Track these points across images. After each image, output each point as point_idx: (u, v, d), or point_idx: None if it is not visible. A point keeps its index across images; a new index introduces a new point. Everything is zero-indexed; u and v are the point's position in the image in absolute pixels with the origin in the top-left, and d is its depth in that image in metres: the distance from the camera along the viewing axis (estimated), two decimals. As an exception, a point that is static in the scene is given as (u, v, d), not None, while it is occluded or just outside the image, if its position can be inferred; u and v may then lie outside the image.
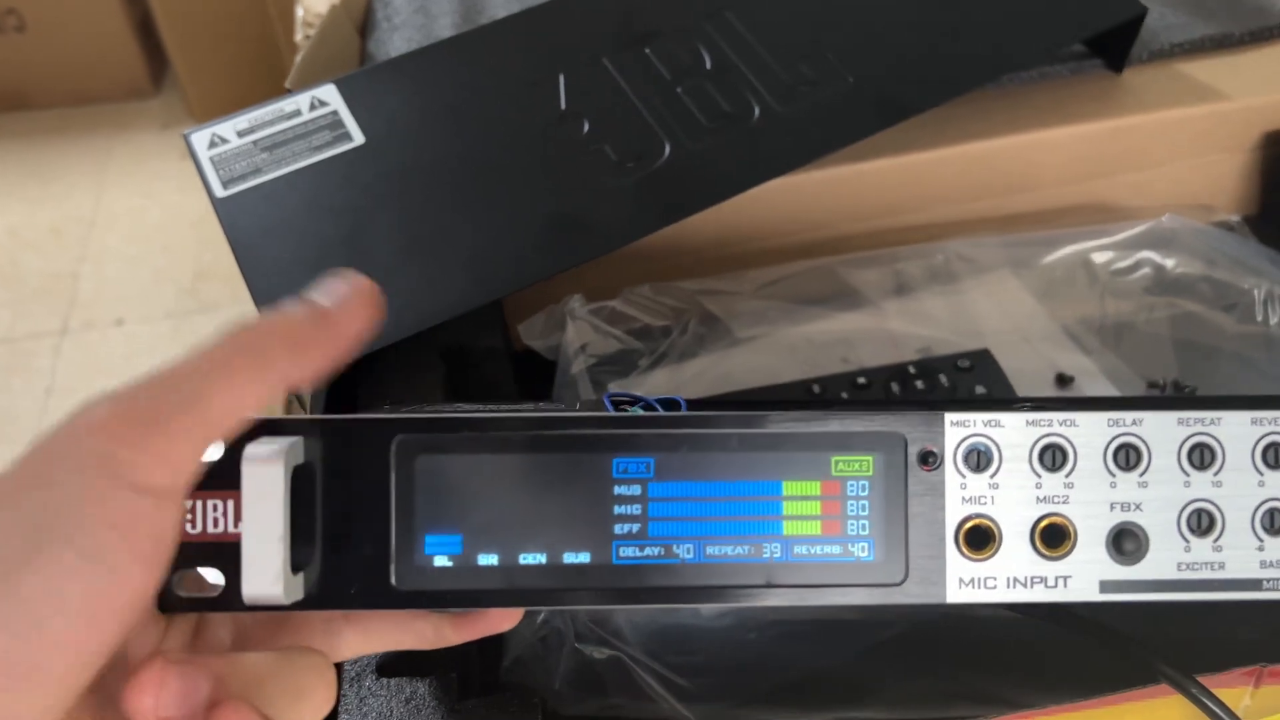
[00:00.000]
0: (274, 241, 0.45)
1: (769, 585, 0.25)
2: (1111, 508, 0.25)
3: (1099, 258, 0.50)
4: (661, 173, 0.46)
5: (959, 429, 0.25)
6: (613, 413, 0.26)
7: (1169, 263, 0.49)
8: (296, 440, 0.24)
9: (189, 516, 0.24)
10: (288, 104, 0.49)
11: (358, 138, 0.48)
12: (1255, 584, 0.26)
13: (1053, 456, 0.25)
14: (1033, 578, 0.25)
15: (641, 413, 0.26)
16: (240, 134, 0.48)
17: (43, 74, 1.91)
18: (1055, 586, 0.25)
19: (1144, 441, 0.25)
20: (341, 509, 0.25)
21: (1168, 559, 0.26)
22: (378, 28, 0.68)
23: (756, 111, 0.48)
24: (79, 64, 1.90)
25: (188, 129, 0.49)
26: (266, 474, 0.23)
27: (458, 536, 0.25)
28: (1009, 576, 0.25)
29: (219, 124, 0.49)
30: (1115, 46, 0.56)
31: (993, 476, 0.25)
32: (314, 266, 0.44)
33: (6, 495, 0.20)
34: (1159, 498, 0.25)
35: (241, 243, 0.45)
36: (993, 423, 0.25)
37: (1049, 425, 0.25)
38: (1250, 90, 0.53)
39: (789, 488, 0.25)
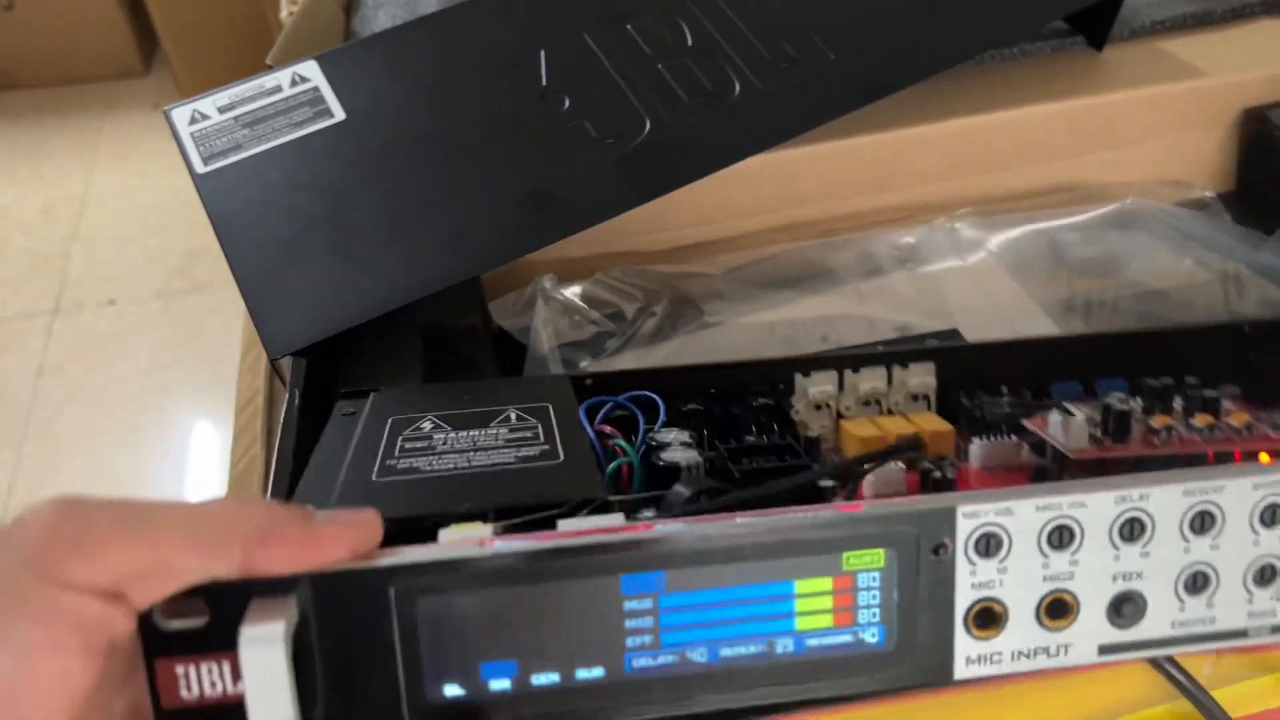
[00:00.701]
0: (255, 218, 0.45)
1: (781, 681, 0.25)
2: (1114, 579, 0.26)
3: (1067, 238, 0.51)
4: (642, 149, 0.47)
5: (971, 520, 0.25)
6: (618, 527, 0.25)
7: (1135, 243, 0.50)
8: (290, 602, 0.23)
9: (185, 683, 0.23)
10: (269, 80, 0.49)
11: (338, 114, 0.48)
12: (1242, 633, 0.27)
13: (1060, 537, 0.26)
14: (1036, 649, 0.26)
15: (648, 522, 0.25)
16: (221, 110, 0.48)
17: (32, 53, 1.89)
18: (1056, 655, 0.26)
19: (1149, 515, 0.26)
20: (345, 657, 0.24)
21: (1163, 619, 0.27)
22: (362, 4, 0.68)
23: (738, 88, 0.48)
24: (68, 43, 1.89)
25: (170, 105, 0.49)
26: (269, 655, 0.22)
27: (469, 669, 0.24)
28: (1014, 650, 0.26)
29: (200, 100, 0.49)
30: (1097, 24, 0.56)
31: (1002, 561, 0.25)
32: (295, 243, 0.44)
33: None
34: (1159, 564, 0.26)
35: (222, 219, 0.45)
36: (1004, 511, 0.25)
37: (1058, 509, 0.25)
38: (1230, 67, 0.54)
39: (801, 585, 0.25)
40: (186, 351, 1.43)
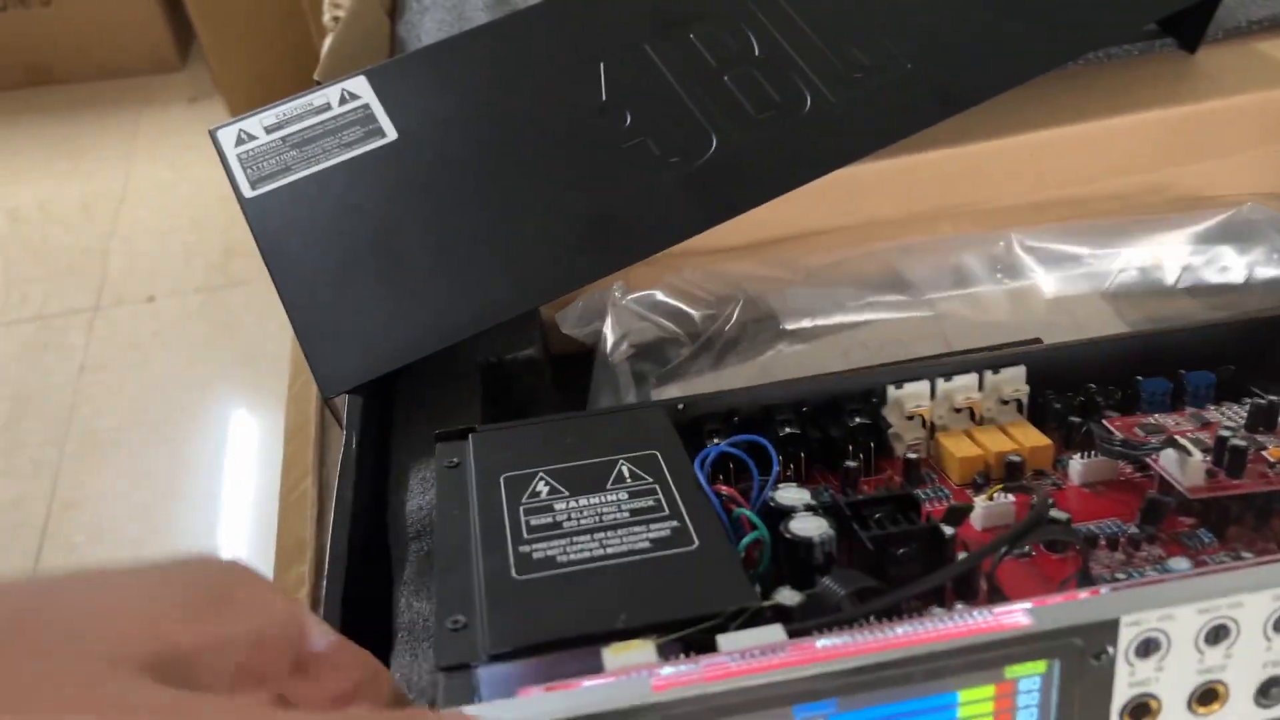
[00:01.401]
0: (305, 245, 0.43)
1: None
2: (1264, 666, 0.26)
3: (1172, 251, 0.48)
4: (708, 168, 0.44)
5: (1133, 628, 0.25)
6: (790, 657, 0.24)
7: (1249, 257, 0.46)
8: None
9: None
10: (317, 97, 0.47)
11: (390, 133, 0.45)
12: None
13: (1216, 634, 0.26)
14: None
15: (816, 648, 0.25)
16: (269, 130, 0.46)
17: (69, 48, 1.90)
18: None
19: None
20: None
21: None
22: (408, 9, 0.65)
23: (809, 101, 0.46)
24: (105, 37, 1.89)
25: (214, 122, 0.47)
26: None
27: None
28: None
29: (246, 119, 0.47)
30: (1190, 24, 0.52)
31: (1160, 661, 0.26)
32: (346, 273, 0.42)
33: None
34: None
35: (270, 245, 0.43)
36: (1165, 617, 0.25)
37: (1217, 610, 0.25)
38: (1336, 71, 0.50)
39: (965, 695, 0.25)
40: (225, 348, 1.43)
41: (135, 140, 1.83)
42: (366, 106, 0.46)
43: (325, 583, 0.32)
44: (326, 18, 0.66)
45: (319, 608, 0.31)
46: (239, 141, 0.46)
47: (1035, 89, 0.51)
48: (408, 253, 0.42)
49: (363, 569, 0.35)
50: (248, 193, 0.44)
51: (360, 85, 0.47)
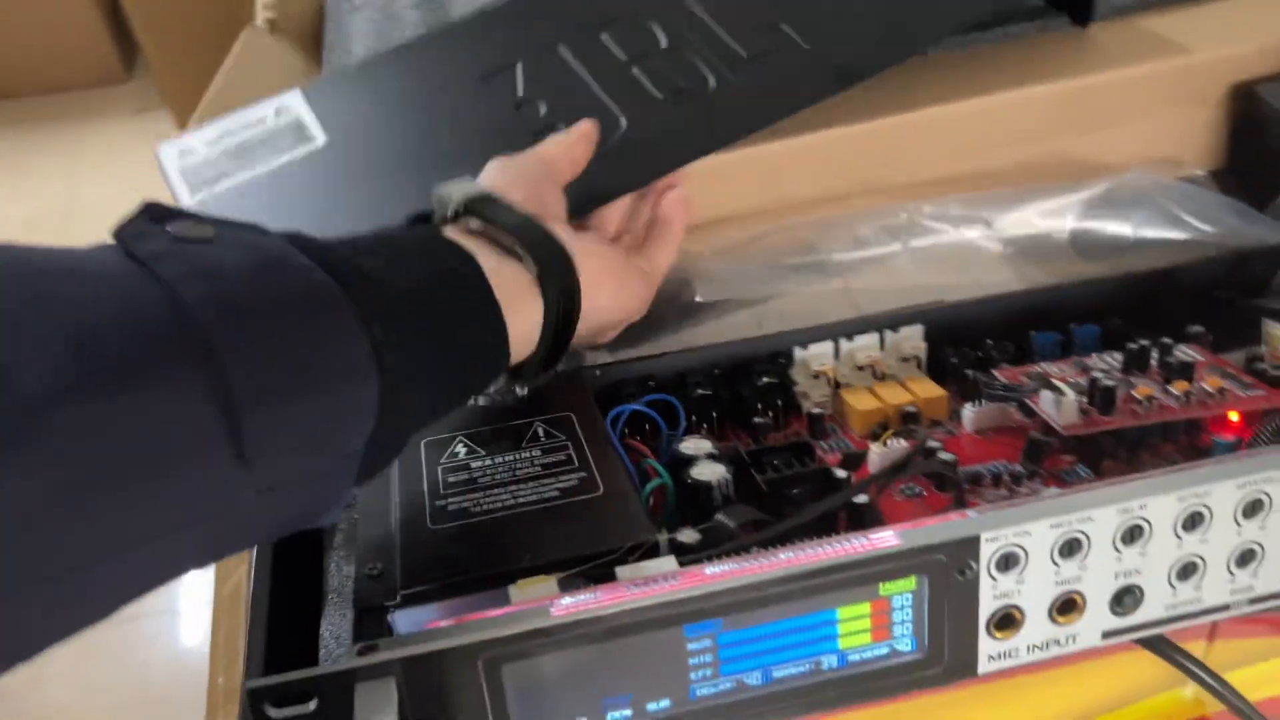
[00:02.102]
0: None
1: (827, 693, 0.28)
2: (1116, 576, 0.29)
3: (1065, 216, 0.50)
4: (618, 147, 0.46)
5: (992, 544, 0.27)
6: (678, 583, 0.26)
7: (1134, 219, 0.49)
8: (390, 685, 0.25)
9: None
10: (253, 112, 0.49)
11: (320, 139, 0.48)
12: (1224, 607, 0.30)
13: (1070, 548, 0.28)
14: (1049, 641, 0.29)
15: (703, 574, 0.27)
16: (208, 144, 0.48)
17: (9, 63, 1.88)
18: (1065, 644, 0.29)
19: (1148, 521, 0.28)
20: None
21: (1158, 604, 0.29)
22: (339, 8, 0.67)
23: (712, 83, 0.48)
24: (47, 51, 1.88)
25: (162, 133, 0.49)
26: None
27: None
28: (1029, 644, 0.29)
29: (187, 136, 0.49)
30: (1080, 1, 0.55)
31: (1020, 573, 0.28)
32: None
33: None
34: (1156, 561, 0.29)
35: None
36: (1022, 533, 0.27)
37: (1069, 525, 0.28)
38: (1217, 43, 0.53)
39: (843, 612, 0.27)
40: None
41: (80, 155, 1.82)
42: (298, 118, 0.49)
43: (256, 548, 0.33)
44: (259, 20, 0.67)
45: (251, 569, 0.32)
46: (181, 155, 0.48)
47: (936, 68, 0.53)
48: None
49: (296, 538, 0.36)
50: (187, 199, 0.46)
51: (294, 100, 0.50)
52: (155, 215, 0.25)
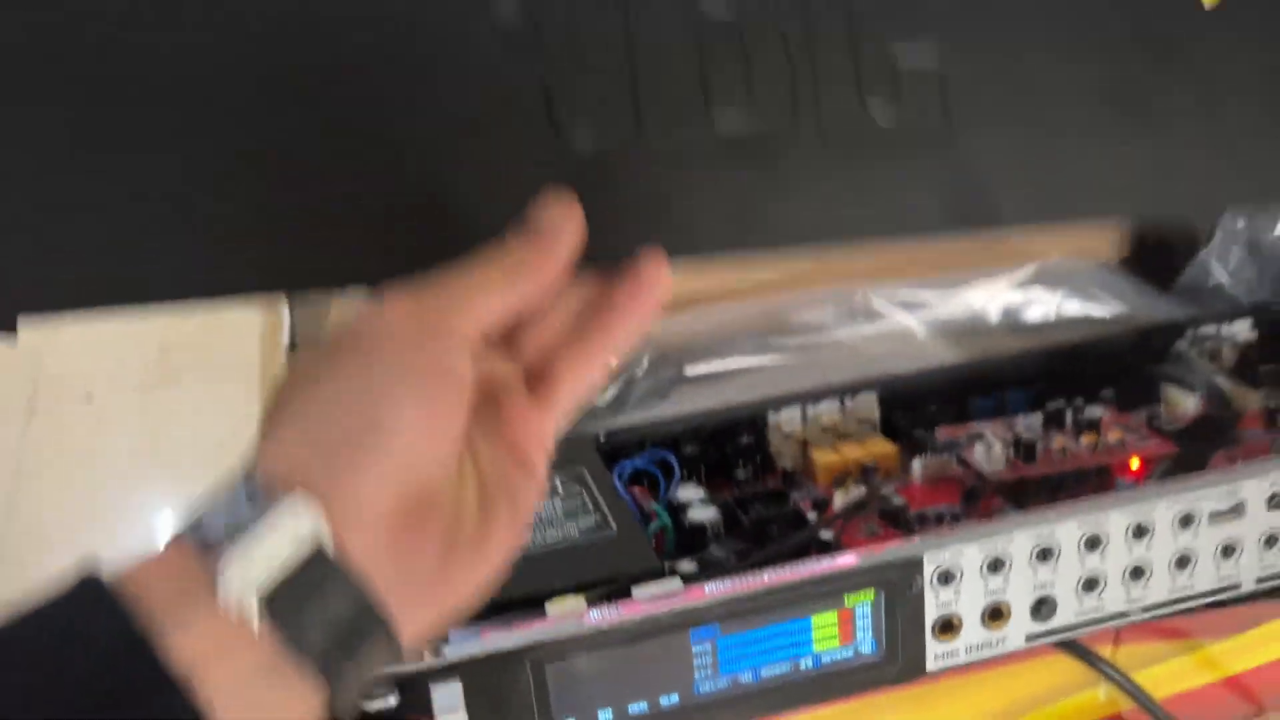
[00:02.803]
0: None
1: (805, 687, 0.35)
2: (1034, 588, 0.36)
3: (996, 297, 0.58)
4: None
5: (933, 562, 0.35)
6: (685, 594, 0.33)
7: (1055, 299, 0.57)
8: (457, 686, 0.31)
9: None
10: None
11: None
12: (1124, 614, 0.37)
13: (995, 564, 0.35)
14: (982, 643, 0.36)
15: (705, 590, 0.34)
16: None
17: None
18: (997, 646, 0.36)
19: (1056, 542, 0.36)
20: (497, 714, 0.32)
21: (1069, 611, 0.36)
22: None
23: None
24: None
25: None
26: None
27: (583, 708, 0.33)
28: (966, 645, 0.36)
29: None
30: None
31: (957, 587, 0.35)
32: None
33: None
34: (1065, 575, 0.36)
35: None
36: (957, 553, 0.35)
37: (995, 546, 0.35)
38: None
39: (816, 620, 0.35)
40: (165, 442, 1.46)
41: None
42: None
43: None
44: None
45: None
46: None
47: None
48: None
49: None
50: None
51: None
52: None
